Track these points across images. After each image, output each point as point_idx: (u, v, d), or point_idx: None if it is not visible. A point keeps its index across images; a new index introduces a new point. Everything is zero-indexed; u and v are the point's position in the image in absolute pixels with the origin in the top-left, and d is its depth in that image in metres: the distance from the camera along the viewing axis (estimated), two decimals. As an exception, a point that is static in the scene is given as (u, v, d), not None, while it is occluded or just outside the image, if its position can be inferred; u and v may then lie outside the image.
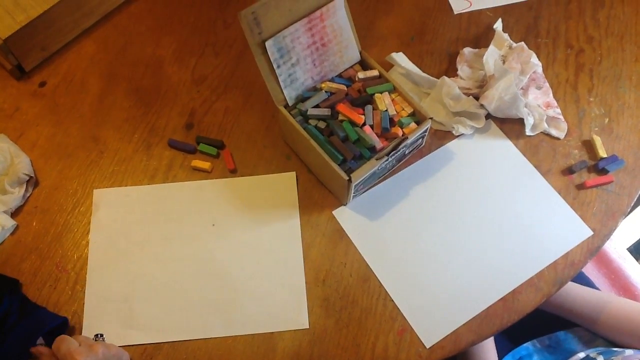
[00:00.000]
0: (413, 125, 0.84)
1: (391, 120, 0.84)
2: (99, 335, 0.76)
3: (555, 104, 0.95)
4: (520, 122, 0.93)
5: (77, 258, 0.84)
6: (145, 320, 0.80)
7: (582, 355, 0.82)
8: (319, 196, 0.89)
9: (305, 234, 0.86)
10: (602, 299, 0.89)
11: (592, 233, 0.85)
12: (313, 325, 0.80)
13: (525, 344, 0.88)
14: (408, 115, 0.85)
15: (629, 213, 0.88)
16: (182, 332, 0.79)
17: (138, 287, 0.82)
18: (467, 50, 0.99)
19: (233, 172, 0.91)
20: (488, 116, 0.94)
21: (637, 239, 1.51)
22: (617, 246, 1.22)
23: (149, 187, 0.90)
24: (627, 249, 1.47)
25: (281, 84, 0.82)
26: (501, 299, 0.80)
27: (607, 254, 1.18)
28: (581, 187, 0.89)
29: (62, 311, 0.80)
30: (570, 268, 0.83)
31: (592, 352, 0.82)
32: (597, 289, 0.98)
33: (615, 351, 0.80)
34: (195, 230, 0.86)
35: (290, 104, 0.85)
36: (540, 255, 0.84)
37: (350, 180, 0.79)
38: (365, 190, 0.89)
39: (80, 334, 0.79)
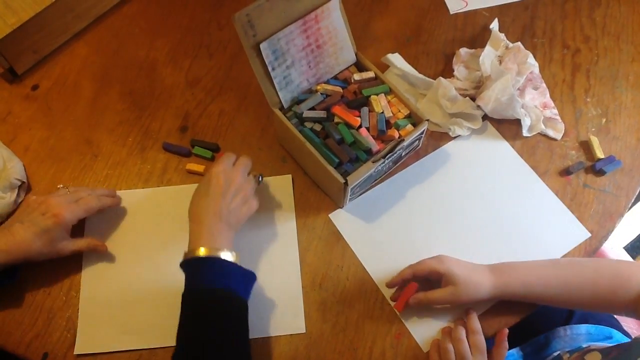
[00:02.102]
0: (409, 127, 0.83)
1: (387, 122, 0.83)
2: (259, 176, 0.84)
3: (552, 104, 0.95)
4: (517, 123, 0.92)
5: (71, 263, 0.83)
6: (140, 325, 0.79)
7: (555, 354, 0.83)
8: (315, 199, 0.88)
9: (302, 237, 0.85)
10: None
11: (589, 235, 0.85)
12: (310, 330, 0.79)
13: (511, 350, 0.88)
14: (404, 117, 0.84)
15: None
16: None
17: (132, 292, 0.82)
18: (463, 51, 0.98)
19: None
20: (485, 117, 0.93)
21: (634, 237, 1.51)
22: (613, 245, 1.21)
23: (143, 191, 0.89)
24: (624, 247, 1.47)
25: (276, 86, 0.82)
26: (499, 302, 0.80)
27: (604, 253, 1.18)
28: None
29: (56, 317, 0.80)
30: (568, 270, 0.83)
31: (562, 351, 0.82)
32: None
33: (581, 347, 0.81)
34: (190, 234, 0.86)
35: (285, 106, 0.84)
36: (537, 258, 0.83)
37: (346, 184, 0.78)
38: (362, 193, 0.88)
39: (74, 341, 0.78)
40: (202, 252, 0.71)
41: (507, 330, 0.77)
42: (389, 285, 0.80)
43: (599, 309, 0.79)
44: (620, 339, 0.87)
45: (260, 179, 0.84)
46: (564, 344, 0.85)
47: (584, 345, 0.81)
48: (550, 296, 0.76)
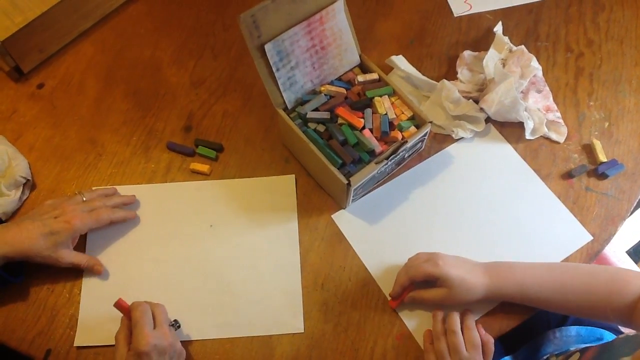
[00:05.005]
0: (413, 129, 0.84)
1: (391, 123, 0.84)
2: (176, 323, 0.77)
3: (555, 107, 0.95)
4: (520, 125, 0.92)
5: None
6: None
7: (544, 358, 0.83)
8: (318, 200, 0.88)
9: (304, 238, 0.85)
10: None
11: (591, 238, 0.85)
12: (311, 330, 0.79)
13: (504, 358, 0.88)
14: (408, 119, 0.85)
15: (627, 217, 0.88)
16: (178, 332, 0.79)
17: (134, 288, 0.82)
18: (467, 54, 0.99)
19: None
20: (488, 120, 0.94)
21: (636, 242, 1.50)
22: (616, 249, 1.21)
23: (147, 187, 0.89)
24: (626, 251, 1.47)
25: (280, 87, 0.82)
26: (500, 304, 0.80)
27: (606, 257, 1.18)
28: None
29: (59, 314, 0.80)
30: (570, 273, 0.83)
31: (551, 355, 0.82)
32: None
33: (569, 349, 0.81)
34: (192, 231, 0.86)
35: (289, 107, 0.85)
36: (539, 260, 0.83)
37: (349, 184, 0.78)
38: (365, 194, 0.88)
39: (74, 338, 0.78)
40: None
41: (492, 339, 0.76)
42: (393, 295, 0.80)
43: (593, 315, 0.77)
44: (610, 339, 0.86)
45: (177, 325, 0.77)
46: (554, 347, 0.85)
47: (572, 348, 0.81)
48: (544, 299, 0.76)
